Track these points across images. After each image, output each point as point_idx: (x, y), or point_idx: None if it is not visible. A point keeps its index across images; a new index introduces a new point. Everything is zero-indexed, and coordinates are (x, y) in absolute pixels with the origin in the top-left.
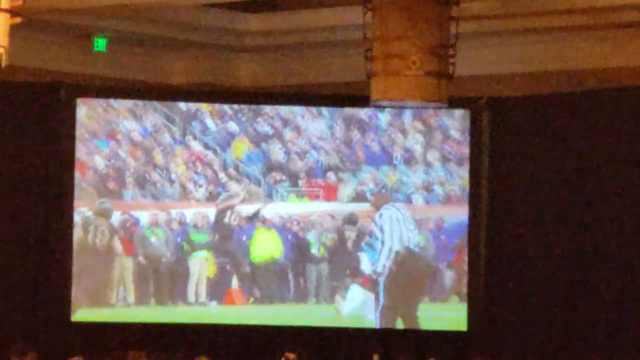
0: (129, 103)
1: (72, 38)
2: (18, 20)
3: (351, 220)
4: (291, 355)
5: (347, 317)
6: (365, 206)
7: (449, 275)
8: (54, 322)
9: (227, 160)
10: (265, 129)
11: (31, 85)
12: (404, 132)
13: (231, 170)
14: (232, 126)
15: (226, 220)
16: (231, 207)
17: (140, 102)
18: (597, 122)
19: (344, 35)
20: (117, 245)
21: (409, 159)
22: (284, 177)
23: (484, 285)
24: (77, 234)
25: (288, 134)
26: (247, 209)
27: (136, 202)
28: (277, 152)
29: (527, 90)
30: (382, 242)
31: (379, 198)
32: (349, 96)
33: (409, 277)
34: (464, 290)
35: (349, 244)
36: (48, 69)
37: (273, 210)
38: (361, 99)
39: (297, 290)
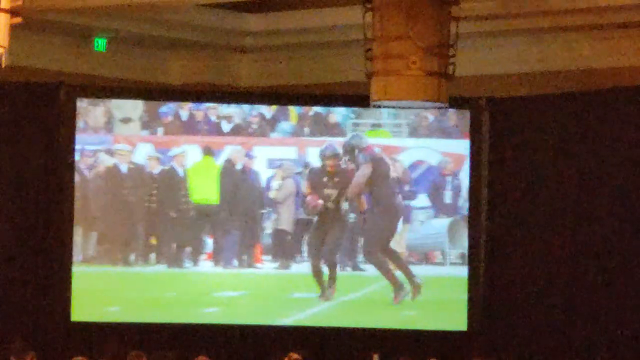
0: None
1: (72, 38)
2: (18, 20)
3: None
4: (294, 356)
5: None
6: None
7: None
8: (54, 322)
9: None
10: None
11: (31, 85)
12: None
13: None
14: None
15: None
16: None
17: None
18: (597, 122)
19: (344, 35)
20: None
21: None
22: None
23: (484, 285)
24: None
25: None
26: None
27: None
28: None
29: (527, 90)
30: None
31: None
32: (349, 96)
33: None
34: None
35: None
36: (48, 69)
37: None
38: (361, 99)
39: None
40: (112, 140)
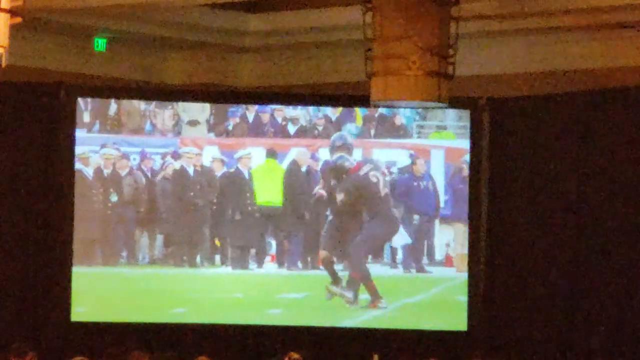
0: None
1: (72, 38)
2: (18, 20)
3: None
4: (295, 356)
5: None
6: None
7: None
8: (54, 322)
9: None
10: None
11: (31, 85)
12: None
13: None
14: None
15: None
16: None
17: None
18: (597, 122)
19: (344, 35)
20: None
21: None
22: None
23: (484, 285)
24: None
25: None
26: None
27: None
28: None
29: (527, 90)
30: None
31: None
32: (349, 96)
33: None
34: None
35: None
36: (48, 69)
37: None
38: (361, 99)
39: None
40: (179, 143)
